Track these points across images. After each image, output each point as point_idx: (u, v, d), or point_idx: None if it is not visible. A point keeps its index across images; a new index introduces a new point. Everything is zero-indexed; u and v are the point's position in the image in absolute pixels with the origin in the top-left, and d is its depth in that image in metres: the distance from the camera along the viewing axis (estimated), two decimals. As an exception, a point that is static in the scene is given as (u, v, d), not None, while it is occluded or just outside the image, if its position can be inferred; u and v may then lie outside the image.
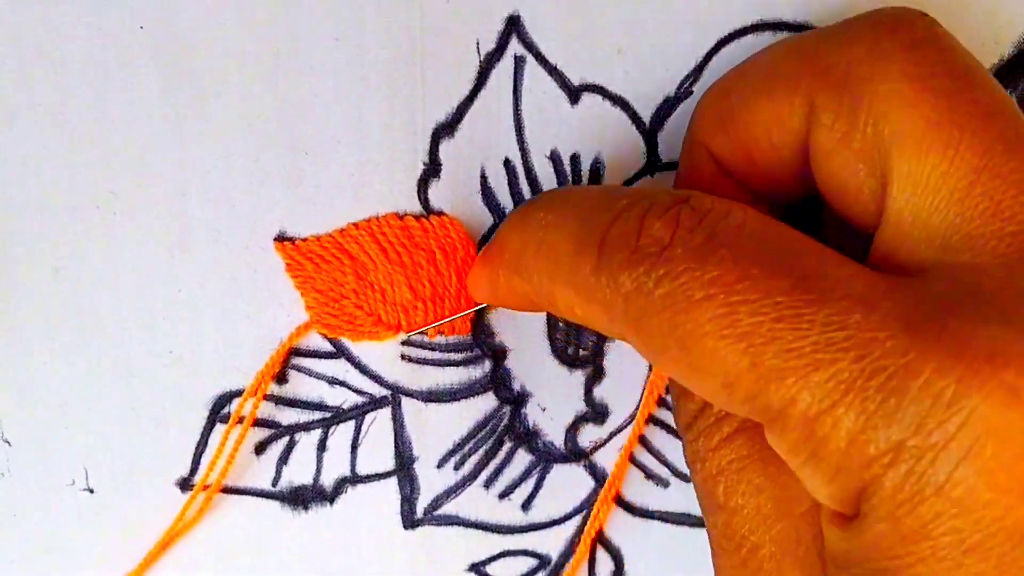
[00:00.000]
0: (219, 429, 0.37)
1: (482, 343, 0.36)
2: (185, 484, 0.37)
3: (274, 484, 0.37)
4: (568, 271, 0.28)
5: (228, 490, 0.37)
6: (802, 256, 0.26)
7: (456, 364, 0.37)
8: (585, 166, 0.35)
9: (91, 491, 0.37)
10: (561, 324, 0.36)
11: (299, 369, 0.36)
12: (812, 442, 0.24)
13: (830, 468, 0.24)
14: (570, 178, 0.35)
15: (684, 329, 0.25)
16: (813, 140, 0.29)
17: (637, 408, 0.37)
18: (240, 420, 0.36)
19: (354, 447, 0.37)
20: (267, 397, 0.37)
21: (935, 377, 0.23)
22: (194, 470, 0.37)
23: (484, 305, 0.35)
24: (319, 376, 0.37)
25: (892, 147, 0.27)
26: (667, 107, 0.34)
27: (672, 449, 0.38)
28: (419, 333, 0.36)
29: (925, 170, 0.26)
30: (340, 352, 0.36)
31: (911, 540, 0.23)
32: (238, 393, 0.36)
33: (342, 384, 0.37)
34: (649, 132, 0.34)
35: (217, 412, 0.36)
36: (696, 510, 0.37)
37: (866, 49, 0.28)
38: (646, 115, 0.34)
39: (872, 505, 0.24)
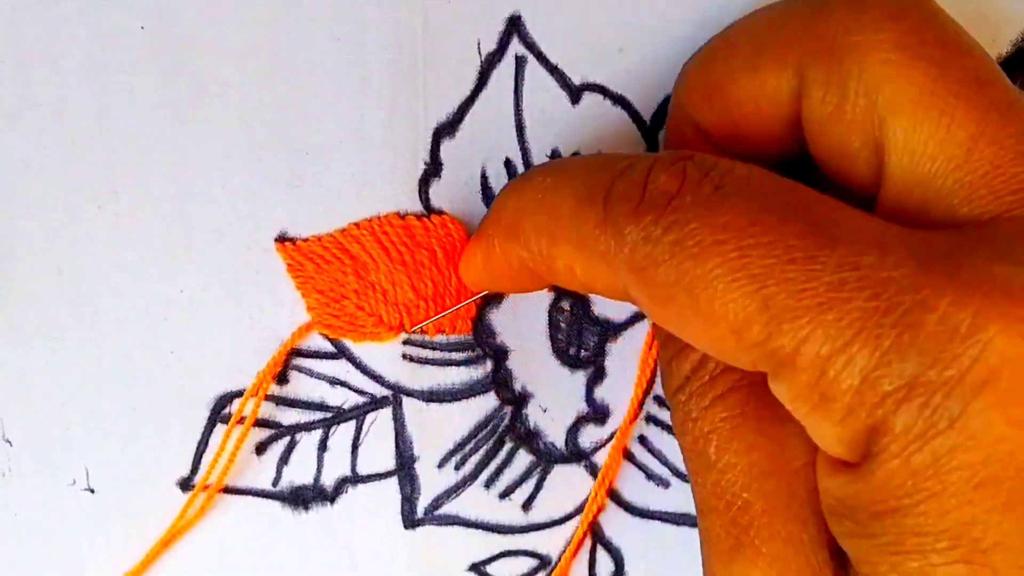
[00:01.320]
0: (220, 429, 0.37)
1: (483, 343, 0.36)
2: (186, 484, 0.37)
3: (275, 484, 0.37)
4: (569, 227, 0.28)
5: (229, 490, 0.37)
6: (812, 204, 0.26)
7: (457, 364, 0.37)
8: (586, 166, 0.35)
9: (92, 491, 0.37)
10: (563, 324, 0.36)
11: (300, 369, 0.36)
12: (823, 384, 0.24)
13: (841, 409, 0.24)
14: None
15: (693, 275, 0.25)
16: (805, 113, 0.29)
17: (639, 405, 0.37)
18: (241, 420, 0.36)
19: (355, 447, 0.37)
20: (268, 397, 0.37)
21: (951, 311, 0.23)
22: (195, 470, 0.37)
23: (482, 297, 0.36)
24: (320, 376, 0.37)
25: (886, 117, 0.27)
26: (668, 106, 0.34)
27: (672, 449, 0.37)
28: (419, 330, 0.36)
29: (922, 138, 0.26)
30: (341, 352, 0.36)
31: (922, 476, 0.23)
32: (239, 393, 0.36)
33: (343, 384, 0.37)
34: (650, 131, 0.34)
35: (218, 412, 0.36)
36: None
37: (854, 19, 0.27)
38: (647, 114, 0.34)
39: (883, 444, 0.24)
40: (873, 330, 0.23)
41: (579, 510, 0.38)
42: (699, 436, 0.30)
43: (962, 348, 0.23)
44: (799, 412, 0.25)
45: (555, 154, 0.34)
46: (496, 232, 0.31)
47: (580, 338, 0.36)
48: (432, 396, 0.37)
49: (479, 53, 0.34)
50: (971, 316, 0.23)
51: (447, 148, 0.34)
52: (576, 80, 0.34)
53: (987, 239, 0.25)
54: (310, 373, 0.36)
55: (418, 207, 0.35)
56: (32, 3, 0.33)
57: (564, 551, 0.38)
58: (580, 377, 0.37)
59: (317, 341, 0.36)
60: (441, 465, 0.38)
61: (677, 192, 0.26)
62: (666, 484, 0.38)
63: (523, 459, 0.38)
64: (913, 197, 0.27)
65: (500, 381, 0.37)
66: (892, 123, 0.27)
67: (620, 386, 0.37)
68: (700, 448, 0.30)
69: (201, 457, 0.37)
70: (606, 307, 0.36)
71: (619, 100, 0.34)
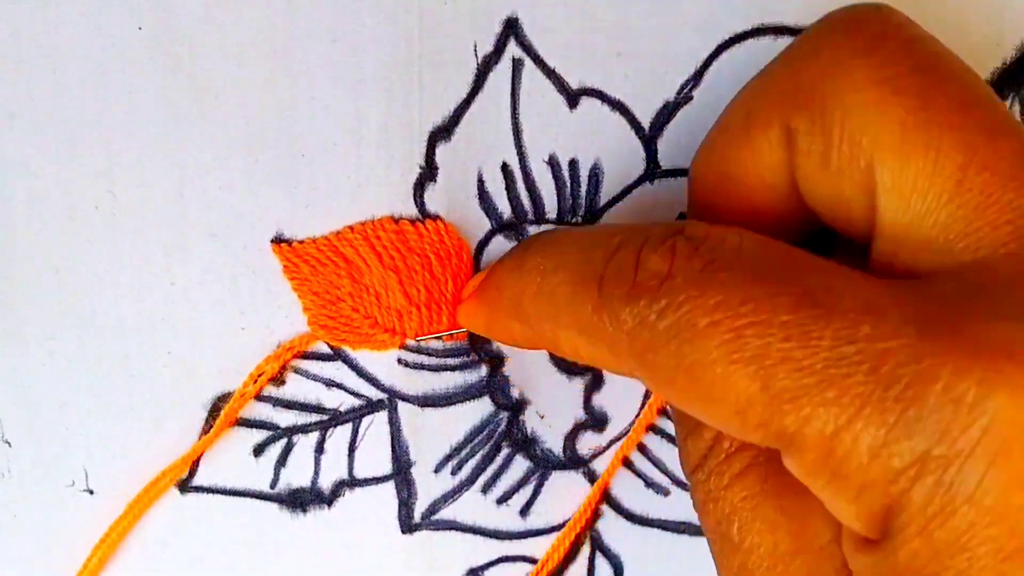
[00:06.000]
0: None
1: (479, 350, 0.36)
2: (185, 485, 0.37)
3: (272, 486, 0.37)
4: (569, 313, 0.28)
5: (227, 492, 0.37)
6: (804, 271, 0.25)
7: (452, 369, 0.36)
8: (584, 172, 0.34)
9: (91, 492, 0.37)
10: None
11: (296, 371, 0.36)
12: (832, 461, 0.23)
13: (853, 487, 0.23)
14: (568, 184, 0.34)
15: (691, 359, 0.25)
16: (796, 167, 0.28)
17: (637, 415, 0.37)
18: (235, 423, 0.36)
19: (351, 450, 0.37)
20: (265, 399, 0.36)
21: (954, 380, 0.22)
22: (193, 472, 0.37)
23: None
24: (316, 378, 0.36)
25: (872, 158, 0.26)
26: (667, 112, 0.34)
27: (672, 458, 0.37)
28: (424, 342, 0.36)
29: (909, 176, 0.25)
30: (337, 354, 0.36)
31: (947, 554, 0.22)
32: (236, 395, 0.36)
33: (339, 387, 0.37)
34: (648, 138, 0.34)
35: (215, 414, 0.36)
36: (696, 519, 0.37)
37: (827, 61, 0.27)
38: (645, 120, 0.34)
39: (902, 522, 0.23)
40: (876, 405, 0.23)
41: (578, 517, 0.38)
42: (720, 518, 0.29)
43: (970, 419, 0.22)
44: (813, 487, 0.25)
45: (552, 160, 0.34)
46: (499, 308, 0.31)
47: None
48: (427, 401, 0.37)
49: (475, 55, 0.33)
50: (975, 384, 0.22)
51: (443, 152, 0.34)
52: (574, 84, 0.33)
53: (986, 289, 0.24)
54: (306, 375, 0.36)
55: (413, 211, 0.35)
56: (31, 3, 0.33)
57: (562, 558, 0.38)
58: (578, 384, 0.37)
59: (314, 343, 0.36)
60: (438, 470, 0.37)
61: (668, 272, 0.26)
62: (666, 492, 0.37)
63: (520, 465, 0.37)
64: (909, 238, 0.26)
65: (495, 387, 0.36)
66: (878, 163, 0.26)
67: (618, 394, 0.36)
68: (723, 530, 0.29)
69: (200, 459, 0.37)
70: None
71: (617, 106, 0.34)
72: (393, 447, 0.37)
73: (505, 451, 0.37)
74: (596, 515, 0.38)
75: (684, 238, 0.26)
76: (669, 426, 0.37)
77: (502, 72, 0.33)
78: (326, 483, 0.37)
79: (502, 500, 0.38)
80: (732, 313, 0.24)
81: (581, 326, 0.28)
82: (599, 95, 0.34)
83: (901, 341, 0.23)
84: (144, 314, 0.35)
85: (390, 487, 0.37)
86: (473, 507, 0.38)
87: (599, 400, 0.37)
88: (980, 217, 0.25)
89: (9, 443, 0.36)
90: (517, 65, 0.33)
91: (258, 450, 0.37)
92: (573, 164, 0.34)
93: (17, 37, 0.33)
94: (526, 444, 0.37)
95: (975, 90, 0.26)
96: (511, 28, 0.33)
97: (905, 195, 0.26)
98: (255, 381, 0.36)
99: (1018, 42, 0.34)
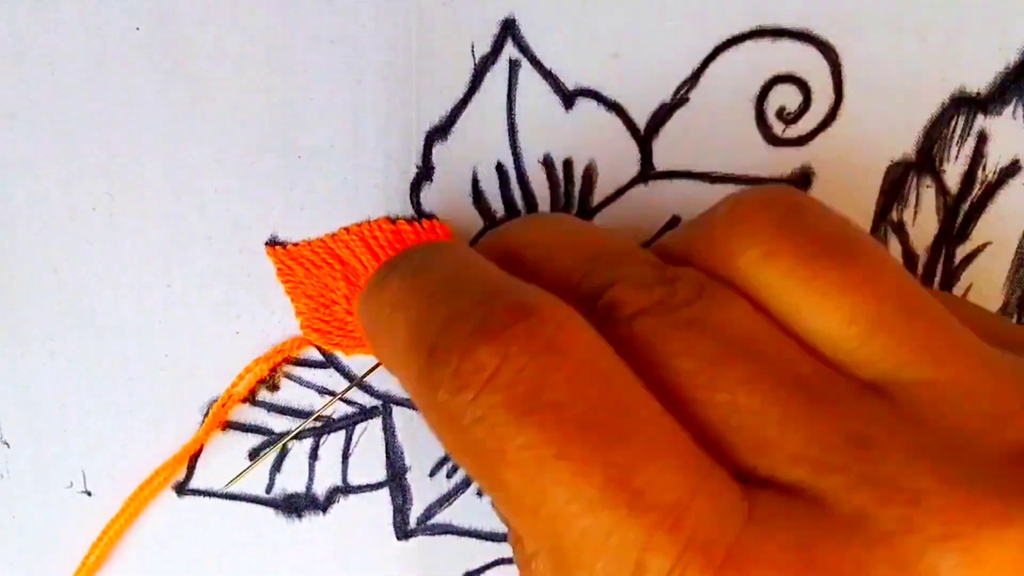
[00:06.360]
0: (215, 434, 0.37)
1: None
2: (181, 488, 0.37)
3: (268, 491, 0.37)
4: (401, 363, 0.28)
5: (222, 496, 0.37)
6: (625, 439, 0.24)
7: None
8: (578, 172, 0.34)
9: (89, 494, 0.37)
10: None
11: (290, 377, 0.36)
12: None
13: None
14: (562, 184, 0.34)
15: (487, 473, 0.25)
16: None
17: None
18: (228, 426, 0.36)
19: (345, 457, 0.37)
20: (259, 404, 0.36)
21: None
22: (190, 474, 0.37)
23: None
24: (309, 385, 0.36)
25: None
26: (662, 113, 0.34)
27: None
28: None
29: (834, 334, 0.26)
30: (330, 363, 0.36)
31: None
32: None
33: (332, 395, 0.36)
34: (644, 139, 0.34)
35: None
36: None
37: (731, 263, 0.28)
38: (641, 121, 0.34)
39: None
40: None
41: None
42: None
43: None
44: None
45: (547, 159, 0.34)
46: (359, 319, 0.32)
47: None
48: (422, 404, 0.36)
49: (473, 56, 0.33)
50: None
51: (439, 152, 0.34)
52: (570, 85, 0.33)
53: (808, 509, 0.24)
54: (299, 381, 0.36)
55: (410, 211, 0.35)
56: (29, 4, 0.33)
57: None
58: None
59: (307, 349, 0.36)
60: (432, 474, 0.37)
61: (491, 376, 0.24)
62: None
63: (516, 469, 0.37)
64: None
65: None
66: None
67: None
68: None
69: (196, 461, 0.37)
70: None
71: (613, 106, 0.34)
72: (387, 453, 0.37)
73: (501, 455, 0.37)
74: None
75: (525, 333, 0.25)
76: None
77: (499, 73, 0.33)
78: (321, 489, 0.37)
79: (499, 504, 0.37)
80: (539, 463, 0.24)
81: (407, 381, 0.27)
82: (595, 96, 0.34)
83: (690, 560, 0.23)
84: (143, 316, 0.35)
85: (385, 494, 0.37)
86: (469, 510, 0.38)
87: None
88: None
89: (8, 444, 0.37)
90: (514, 66, 0.33)
91: (253, 454, 0.37)
92: (568, 164, 0.34)
93: (15, 37, 0.33)
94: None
95: (881, 264, 0.27)
96: (508, 29, 0.33)
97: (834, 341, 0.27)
98: (243, 381, 0.36)
99: (1021, 44, 0.33)
